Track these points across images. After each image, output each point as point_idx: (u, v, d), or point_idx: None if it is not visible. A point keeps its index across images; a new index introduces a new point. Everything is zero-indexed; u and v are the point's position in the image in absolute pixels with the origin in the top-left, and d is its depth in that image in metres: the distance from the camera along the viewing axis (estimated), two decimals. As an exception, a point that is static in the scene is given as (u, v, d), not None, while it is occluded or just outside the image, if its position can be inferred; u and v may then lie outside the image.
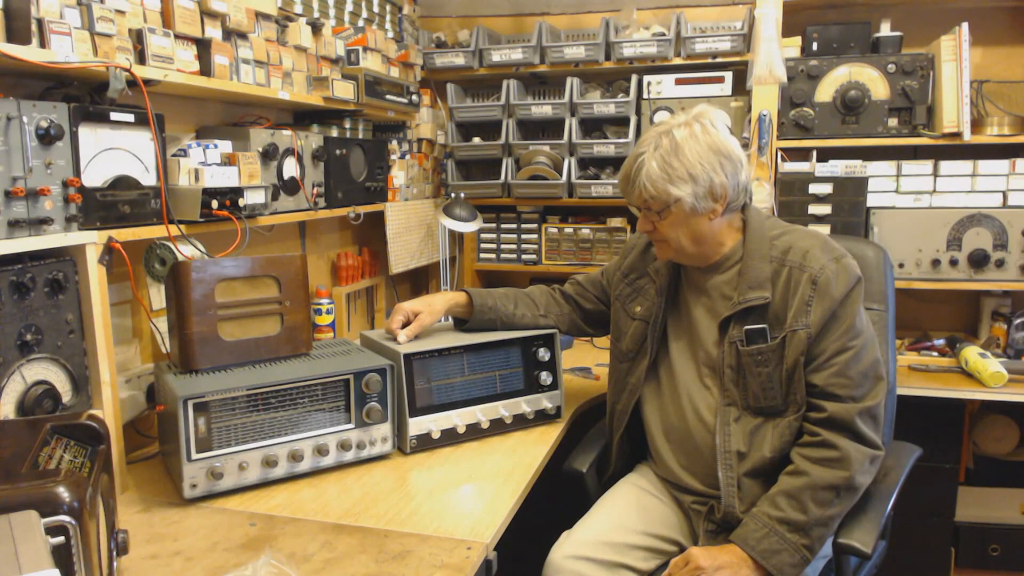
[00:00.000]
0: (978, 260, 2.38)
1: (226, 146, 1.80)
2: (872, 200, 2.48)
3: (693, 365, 1.61)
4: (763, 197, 2.50)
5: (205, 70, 1.70)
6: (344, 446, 1.59)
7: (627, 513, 1.64)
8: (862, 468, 1.42)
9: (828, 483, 1.40)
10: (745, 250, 1.54)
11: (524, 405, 1.84)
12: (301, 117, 2.30)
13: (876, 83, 2.47)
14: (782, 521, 1.39)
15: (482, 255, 3.11)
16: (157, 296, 1.77)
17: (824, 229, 2.46)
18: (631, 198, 1.56)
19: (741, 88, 2.65)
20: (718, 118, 1.52)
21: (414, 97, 2.63)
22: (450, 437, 1.74)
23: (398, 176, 2.66)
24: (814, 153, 2.52)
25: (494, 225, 3.06)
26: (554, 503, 1.76)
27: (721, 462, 1.50)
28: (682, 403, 1.61)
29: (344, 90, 2.20)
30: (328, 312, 2.31)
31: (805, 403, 1.47)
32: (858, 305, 1.48)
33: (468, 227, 2.73)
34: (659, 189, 1.48)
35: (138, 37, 1.52)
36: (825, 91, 2.52)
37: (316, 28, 2.16)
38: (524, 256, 3.05)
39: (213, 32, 1.73)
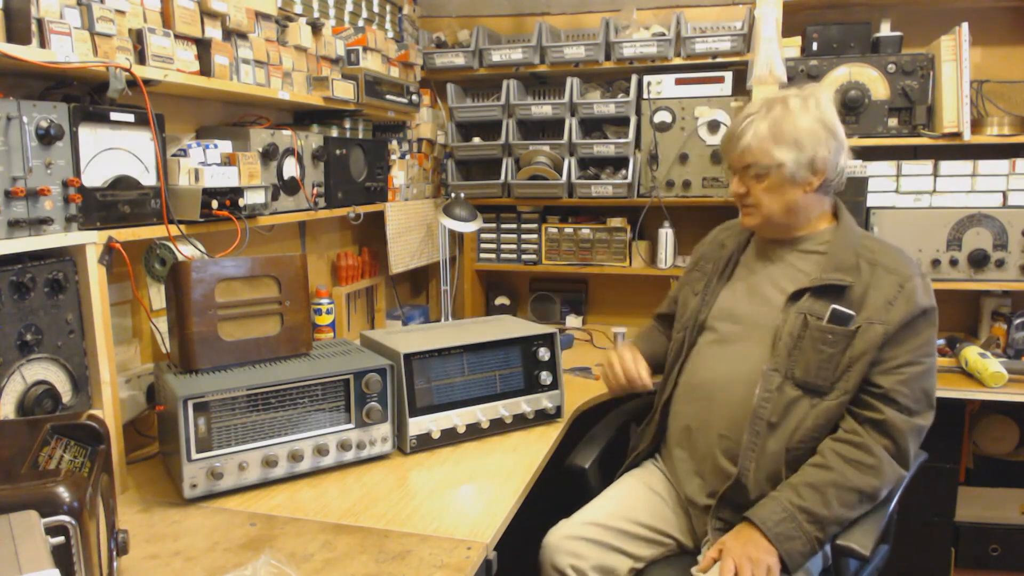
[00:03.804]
0: (978, 260, 2.38)
1: (226, 146, 1.80)
2: (872, 200, 2.48)
3: (746, 329, 1.60)
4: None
5: (205, 70, 1.70)
6: (344, 446, 1.59)
7: (629, 504, 1.65)
8: (888, 482, 1.44)
9: (855, 486, 1.41)
10: (836, 237, 1.57)
11: (524, 405, 1.84)
12: (301, 117, 2.30)
13: (876, 83, 2.47)
14: (803, 510, 1.39)
15: (482, 255, 3.11)
16: (157, 296, 1.77)
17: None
18: (732, 158, 1.60)
19: (741, 88, 2.65)
20: (830, 99, 1.58)
21: (414, 97, 2.63)
22: (450, 437, 1.74)
23: (398, 176, 2.66)
24: (814, 153, 2.52)
25: (494, 225, 3.06)
26: (555, 503, 1.76)
27: (750, 427, 1.49)
28: (728, 364, 1.59)
29: (344, 90, 2.20)
30: (328, 312, 2.31)
31: (850, 393, 1.46)
32: (935, 329, 1.50)
33: (468, 227, 2.73)
34: (764, 150, 1.53)
35: (138, 37, 1.52)
36: (825, 91, 2.51)
37: (316, 28, 2.16)
38: (524, 256, 3.05)
39: (213, 32, 1.73)
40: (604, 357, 1.79)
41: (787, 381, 1.49)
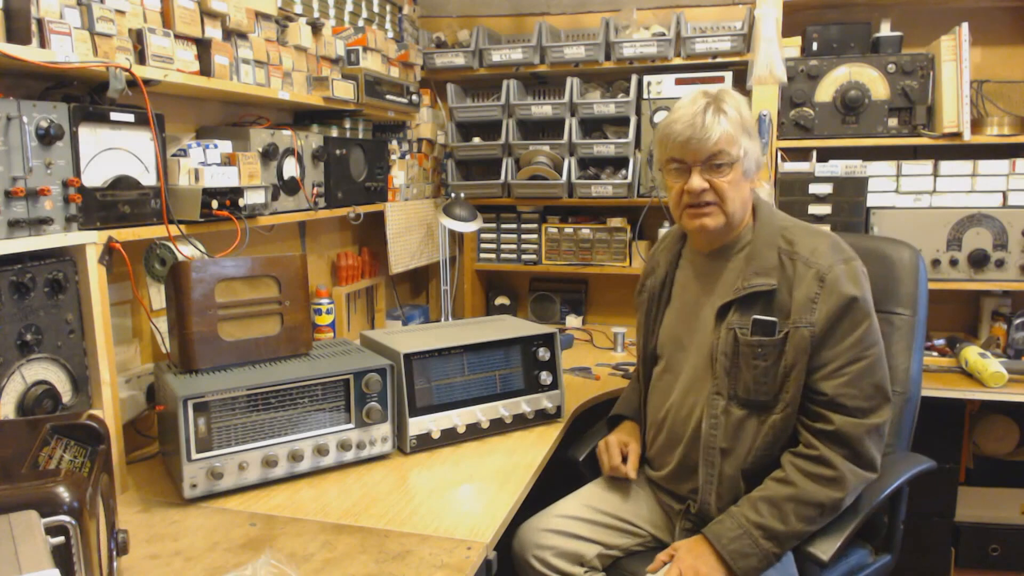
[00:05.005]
0: (978, 260, 2.38)
1: (226, 146, 1.80)
2: (872, 200, 2.49)
3: (692, 355, 1.56)
4: (763, 197, 2.50)
5: (205, 70, 1.70)
6: (344, 446, 1.59)
7: (604, 497, 1.66)
8: (854, 490, 1.39)
9: (816, 500, 1.36)
10: (754, 236, 1.50)
11: (524, 405, 1.84)
12: (301, 117, 2.30)
13: (876, 83, 2.48)
14: (759, 526, 1.36)
15: (482, 255, 3.11)
16: (157, 296, 1.77)
17: (824, 229, 2.46)
18: (696, 149, 1.44)
19: (741, 88, 2.65)
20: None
21: (414, 97, 2.63)
22: (450, 437, 1.74)
23: (398, 176, 2.66)
24: (814, 153, 2.52)
25: (494, 225, 3.06)
26: (554, 499, 1.76)
27: (703, 458, 1.47)
28: (682, 395, 1.57)
29: (344, 90, 2.20)
30: (328, 312, 2.31)
31: (793, 404, 1.42)
32: (873, 316, 1.42)
33: (468, 227, 2.73)
34: (732, 139, 1.44)
35: (138, 37, 1.52)
36: (825, 91, 2.52)
37: (316, 28, 2.16)
38: (524, 256, 3.05)
39: (213, 32, 1.73)
40: (604, 442, 1.72)
41: (731, 402, 1.45)
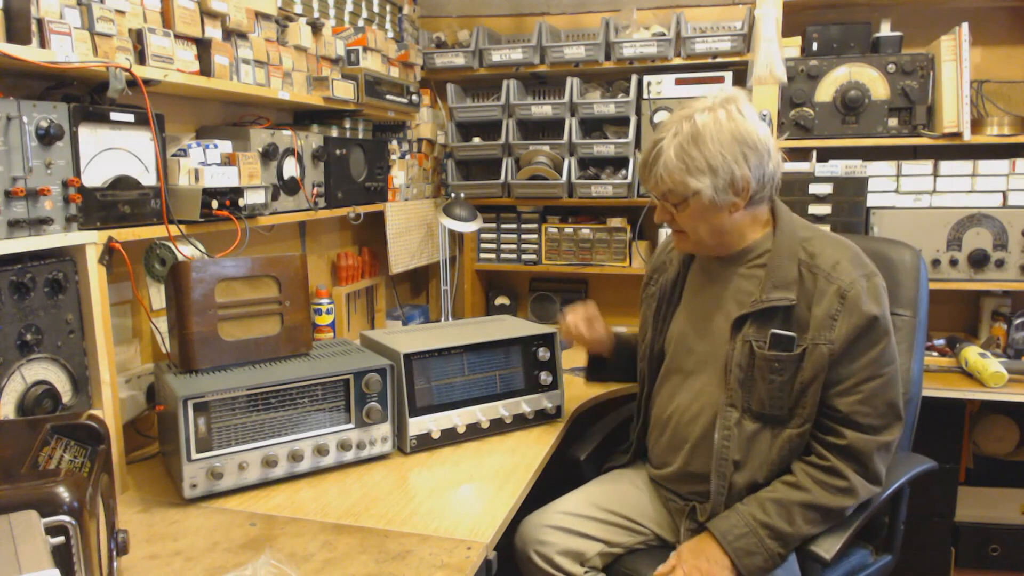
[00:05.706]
0: (978, 260, 2.38)
1: (226, 146, 1.80)
2: (872, 200, 2.49)
3: (701, 359, 1.55)
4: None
5: (205, 70, 1.70)
6: (344, 446, 1.59)
7: (606, 495, 1.66)
8: (860, 500, 1.40)
9: (823, 505, 1.37)
10: (774, 247, 1.46)
11: (524, 405, 1.84)
12: (301, 117, 2.30)
13: (876, 83, 2.48)
14: (766, 526, 1.37)
15: (482, 255, 3.11)
16: (157, 296, 1.77)
17: (824, 229, 2.46)
18: (648, 187, 1.49)
19: (741, 88, 2.65)
20: (747, 104, 1.44)
21: (414, 97, 2.63)
22: (450, 437, 1.74)
23: (398, 176, 2.66)
24: (814, 153, 2.52)
25: (494, 225, 3.06)
26: (554, 498, 1.76)
27: (715, 469, 1.46)
28: (689, 398, 1.56)
29: (344, 90, 2.20)
30: (328, 312, 2.31)
31: (811, 419, 1.41)
32: (891, 333, 1.41)
33: (468, 227, 2.73)
34: (676, 180, 1.41)
35: (138, 37, 1.52)
36: (825, 91, 2.52)
37: (316, 28, 2.16)
38: (524, 256, 3.05)
39: (213, 32, 1.73)
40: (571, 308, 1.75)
41: (745, 415, 1.44)
